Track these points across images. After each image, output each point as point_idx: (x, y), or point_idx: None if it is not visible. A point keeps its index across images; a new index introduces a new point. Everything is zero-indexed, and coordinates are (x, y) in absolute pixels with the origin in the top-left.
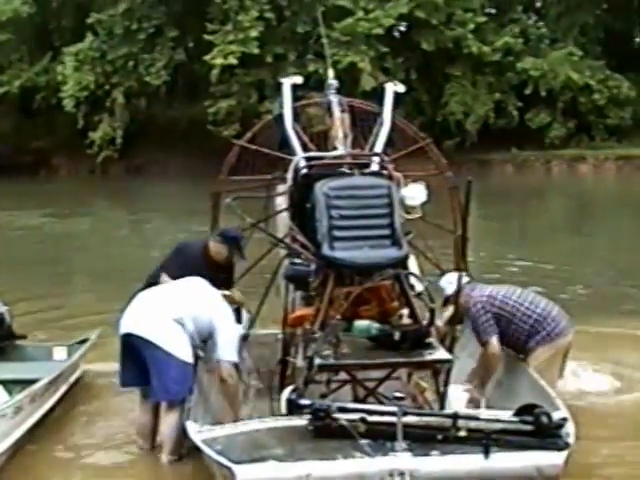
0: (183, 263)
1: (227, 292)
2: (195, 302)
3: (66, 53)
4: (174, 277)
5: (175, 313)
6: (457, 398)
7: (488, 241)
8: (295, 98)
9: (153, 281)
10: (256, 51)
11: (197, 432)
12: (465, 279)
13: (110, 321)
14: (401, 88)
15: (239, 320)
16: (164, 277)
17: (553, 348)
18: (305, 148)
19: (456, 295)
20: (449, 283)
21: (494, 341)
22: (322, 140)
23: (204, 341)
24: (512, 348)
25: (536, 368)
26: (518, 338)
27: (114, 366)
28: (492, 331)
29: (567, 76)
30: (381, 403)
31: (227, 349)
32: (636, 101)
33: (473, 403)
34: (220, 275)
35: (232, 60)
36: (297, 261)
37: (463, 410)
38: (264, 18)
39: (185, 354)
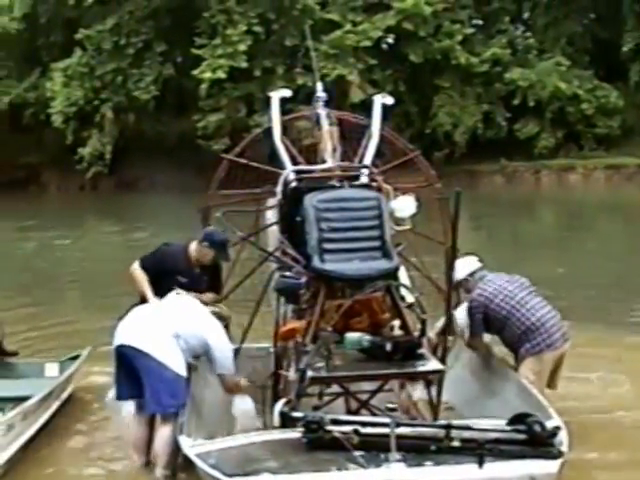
0: (162, 262)
1: (216, 309)
2: (187, 319)
3: (55, 69)
4: (149, 271)
5: (170, 328)
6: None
7: (478, 252)
8: (284, 111)
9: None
10: (244, 65)
11: (190, 446)
12: (477, 264)
13: (101, 337)
14: (389, 100)
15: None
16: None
17: (541, 359)
18: (294, 161)
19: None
20: (461, 267)
21: (475, 339)
22: (311, 153)
23: (196, 357)
24: (508, 349)
25: (525, 377)
26: (510, 340)
27: (105, 382)
28: (478, 332)
29: (555, 86)
30: (374, 415)
31: (226, 363)
32: (624, 110)
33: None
34: (204, 276)
35: (221, 74)
36: (288, 274)
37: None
38: (252, 32)
39: (178, 366)
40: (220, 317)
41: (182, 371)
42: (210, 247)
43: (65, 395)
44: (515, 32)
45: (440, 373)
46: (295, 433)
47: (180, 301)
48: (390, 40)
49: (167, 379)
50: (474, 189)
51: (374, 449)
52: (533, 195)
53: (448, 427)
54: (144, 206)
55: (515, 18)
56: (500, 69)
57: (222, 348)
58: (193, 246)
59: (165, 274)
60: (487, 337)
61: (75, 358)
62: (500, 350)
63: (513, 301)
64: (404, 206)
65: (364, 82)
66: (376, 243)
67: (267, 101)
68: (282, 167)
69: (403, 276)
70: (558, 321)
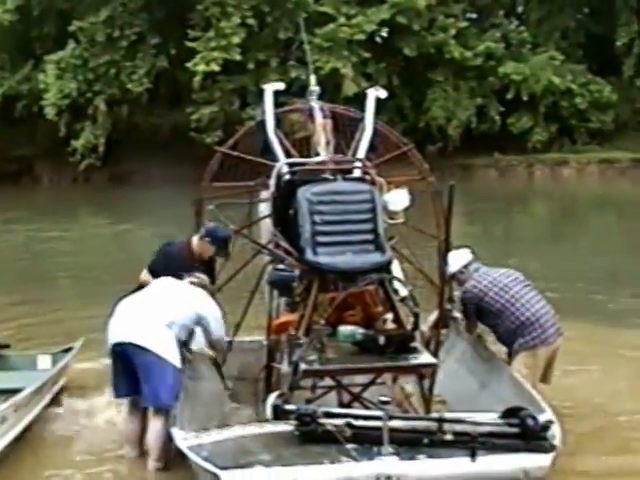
0: (167, 262)
1: (195, 279)
2: (177, 302)
3: (48, 61)
4: (158, 275)
5: (163, 318)
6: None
7: (471, 245)
8: (277, 104)
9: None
10: (238, 57)
11: (183, 439)
12: (470, 256)
13: (94, 328)
14: (383, 94)
15: None
16: (149, 278)
17: (535, 354)
18: (287, 154)
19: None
20: (455, 260)
21: (470, 328)
22: (304, 146)
23: (190, 334)
24: (501, 342)
25: (518, 371)
26: (504, 334)
27: (98, 374)
28: (472, 321)
29: (549, 80)
30: (367, 408)
31: (218, 329)
32: (617, 104)
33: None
34: (201, 268)
35: (214, 67)
36: (281, 267)
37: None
38: (246, 24)
39: (175, 358)
40: (202, 286)
41: (178, 363)
42: (212, 243)
43: (57, 387)
44: (509, 26)
45: (433, 366)
46: (288, 426)
47: (164, 284)
48: (384, 33)
49: (166, 373)
50: (467, 183)
51: (367, 442)
52: (526, 189)
53: (441, 420)
54: (137, 199)
55: (509, 12)
56: (494, 63)
57: (213, 314)
58: (195, 241)
59: (171, 273)
60: (481, 329)
61: (68, 350)
62: (493, 343)
63: (507, 295)
64: (397, 199)
65: (358, 75)
66: (369, 236)
67: (260, 94)
68: (275, 160)
69: (396, 269)
70: (552, 316)
